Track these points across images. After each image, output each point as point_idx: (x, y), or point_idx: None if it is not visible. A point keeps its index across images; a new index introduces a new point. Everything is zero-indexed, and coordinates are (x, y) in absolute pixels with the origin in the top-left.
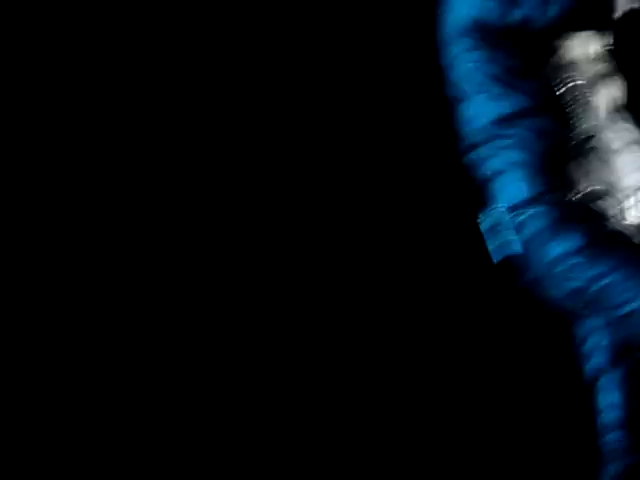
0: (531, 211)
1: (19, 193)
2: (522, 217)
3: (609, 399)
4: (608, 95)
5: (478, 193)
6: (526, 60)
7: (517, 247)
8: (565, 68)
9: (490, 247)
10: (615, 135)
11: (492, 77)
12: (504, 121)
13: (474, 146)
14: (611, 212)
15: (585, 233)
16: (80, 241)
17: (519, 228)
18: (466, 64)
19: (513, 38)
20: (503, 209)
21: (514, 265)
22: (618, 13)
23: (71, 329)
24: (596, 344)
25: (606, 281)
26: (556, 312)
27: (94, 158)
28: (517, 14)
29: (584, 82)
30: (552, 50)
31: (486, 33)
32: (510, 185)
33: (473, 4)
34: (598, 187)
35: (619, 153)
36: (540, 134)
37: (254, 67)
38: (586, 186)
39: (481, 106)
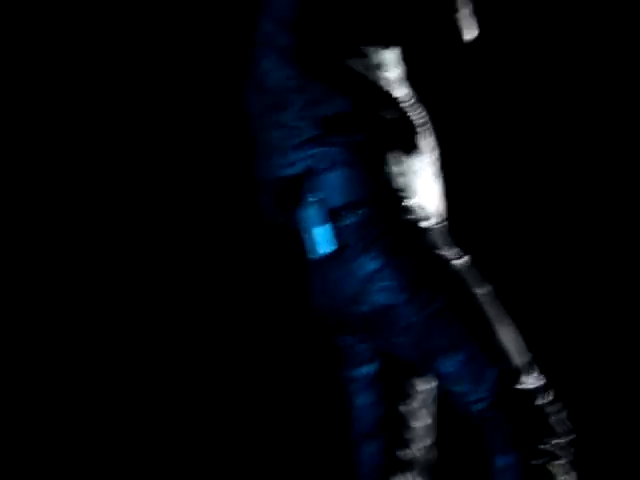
0: (350, 217)
1: (19, 193)
2: (340, 221)
3: (363, 400)
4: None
5: (298, 186)
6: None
7: (330, 247)
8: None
9: (305, 243)
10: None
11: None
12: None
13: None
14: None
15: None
16: (80, 241)
17: (336, 232)
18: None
19: None
20: (322, 208)
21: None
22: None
23: (71, 329)
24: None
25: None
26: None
27: (94, 158)
28: None
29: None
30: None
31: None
32: (332, 186)
33: None
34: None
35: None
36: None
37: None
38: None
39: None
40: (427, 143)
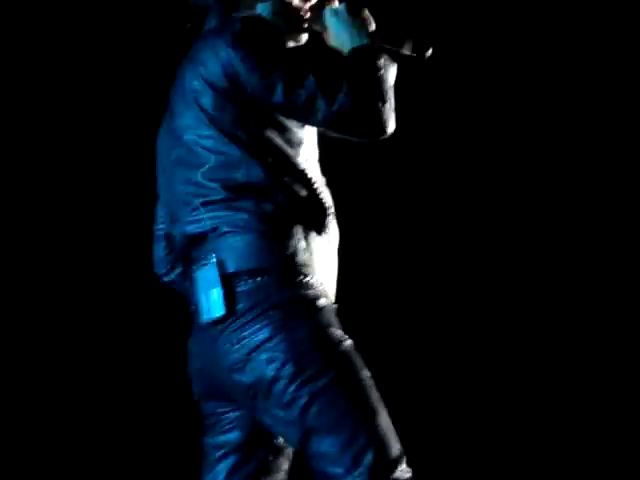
0: (247, 284)
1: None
2: (236, 287)
3: (221, 468)
4: None
5: (197, 245)
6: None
7: (221, 311)
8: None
9: (196, 303)
10: None
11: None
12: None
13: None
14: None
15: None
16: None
17: (230, 297)
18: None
19: None
20: (219, 271)
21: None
22: None
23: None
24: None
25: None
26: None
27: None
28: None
29: None
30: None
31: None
32: (233, 250)
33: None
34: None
35: None
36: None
37: None
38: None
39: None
40: (332, 226)
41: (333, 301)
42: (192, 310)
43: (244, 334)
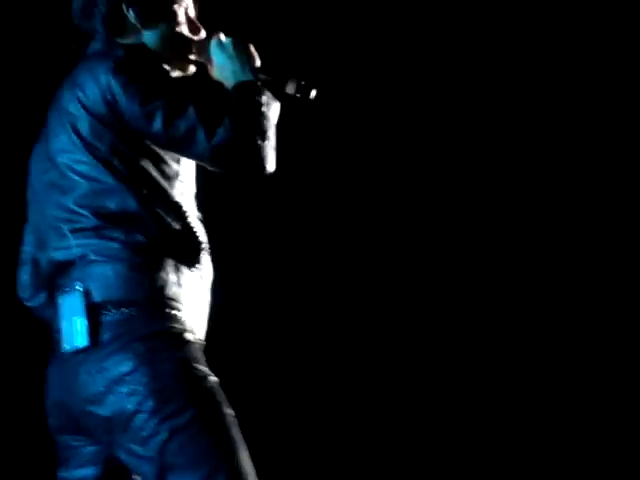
0: (112, 314)
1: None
2: (101, 316)
3: None
4: None
5: (64, 271)
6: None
7: (84, 341)
8: None
9: (58, 332)
10: None
11: None
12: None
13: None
14: None
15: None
16: None
17: (94, 326)
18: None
19: None
20: (84, 299)
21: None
22: None
23: None
24: None
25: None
26: None
27: None
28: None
29: None
30: None
31: None
32: (101, 279)
33: None
34: None
35: None
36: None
37: None
38: None
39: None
40: (206, 262)
41: (202, 337)
42: (54, 338)
43: (105, 365)
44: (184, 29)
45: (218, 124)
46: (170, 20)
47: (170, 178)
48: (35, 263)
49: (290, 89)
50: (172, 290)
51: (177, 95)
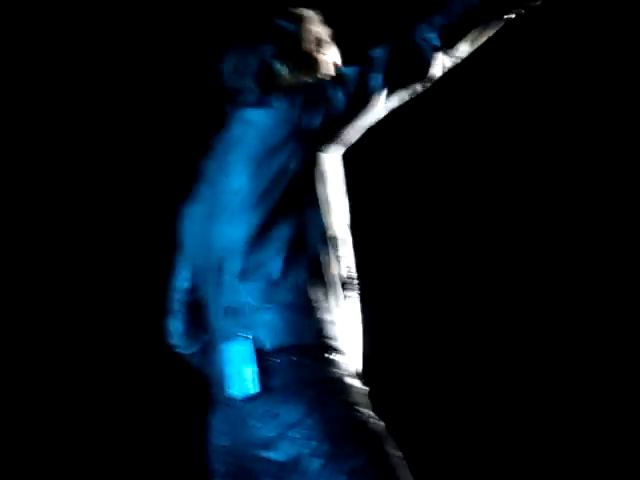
0: (280, 362)
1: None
2: (269, 364)
3: None
4: None
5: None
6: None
7: (254, 389)
8: None
9: (225, 379)
10: None
11: None
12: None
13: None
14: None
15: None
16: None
17: (263, 374)
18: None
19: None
20: (252, 347)
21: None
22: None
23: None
24: None
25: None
26: None
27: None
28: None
29: None
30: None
31: None
32: (267, 326)
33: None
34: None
35: None
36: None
37: None
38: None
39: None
40: (355, 296)
41: (360, 370)
42: (215, 385)
43: (277, 411)
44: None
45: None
46: (317, 68)
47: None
48: (192, 308)
49: None
50: (333, 330)
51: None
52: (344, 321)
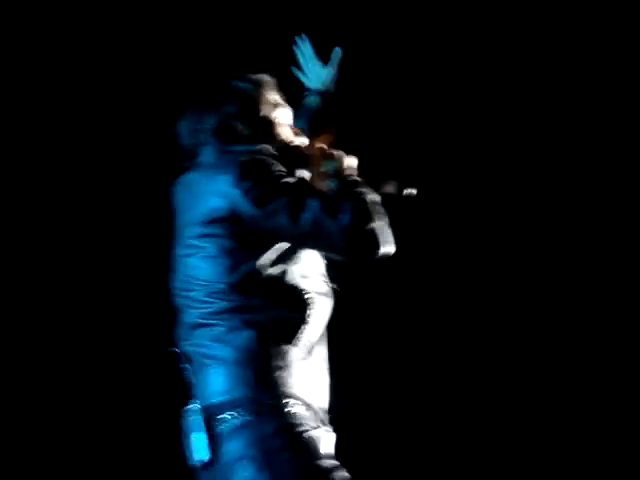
0: (228, 419)
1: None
2: (218, 424)
3: None
4: None
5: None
6: None
7: (205, 455)
8: None
9: (186, 447)
10: None
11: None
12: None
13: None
14: None
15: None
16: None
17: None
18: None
19: None
20: (200, 415)
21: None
22: None
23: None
24: None
25: None
26: None
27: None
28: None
29: None
30: None
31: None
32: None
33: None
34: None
35: None
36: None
37: None
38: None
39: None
40: (314, 334)
41: (325, 423)
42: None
43: (229, 474)
44: (289, 135)
45: (338, 210)
46: (275, 136)
47: (287, 260)
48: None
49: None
50: (282, 378)
51: (297, 191)
52: (300, 372)
